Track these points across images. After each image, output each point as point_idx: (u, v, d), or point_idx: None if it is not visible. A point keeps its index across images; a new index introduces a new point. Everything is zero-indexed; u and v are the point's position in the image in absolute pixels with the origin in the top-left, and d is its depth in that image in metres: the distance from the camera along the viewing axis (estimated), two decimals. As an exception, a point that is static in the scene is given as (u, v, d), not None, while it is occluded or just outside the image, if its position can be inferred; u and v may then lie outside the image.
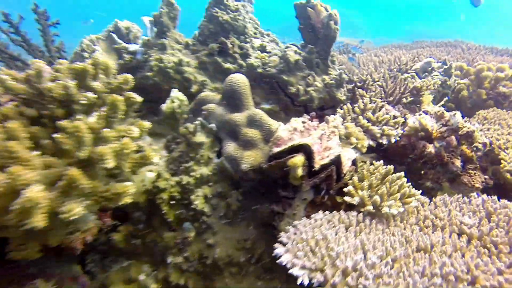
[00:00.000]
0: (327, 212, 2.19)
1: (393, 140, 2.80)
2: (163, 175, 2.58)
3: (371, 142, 2.75)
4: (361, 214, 2.19)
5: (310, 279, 1.66)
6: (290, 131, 2.49)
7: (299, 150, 2.32)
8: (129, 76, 2.35)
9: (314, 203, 2.40)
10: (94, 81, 2.18)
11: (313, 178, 2.30)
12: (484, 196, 2.32)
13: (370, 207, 2.18)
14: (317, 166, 2.27)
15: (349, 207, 2.35)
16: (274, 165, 2.39)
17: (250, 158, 2.63)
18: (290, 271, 1.70)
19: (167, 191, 2.56)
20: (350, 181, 2.40)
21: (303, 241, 1.86)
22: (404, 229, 2.13)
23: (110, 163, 1.77)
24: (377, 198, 2.18)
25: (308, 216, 2.24)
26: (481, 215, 2.14)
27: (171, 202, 2.58)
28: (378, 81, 3.59)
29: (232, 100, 2.86)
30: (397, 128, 2.87)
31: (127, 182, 1.97)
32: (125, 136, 1.98)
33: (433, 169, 3.02)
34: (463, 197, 2.37)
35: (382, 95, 3.43)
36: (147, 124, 2.21)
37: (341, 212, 2.20)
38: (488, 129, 3.45)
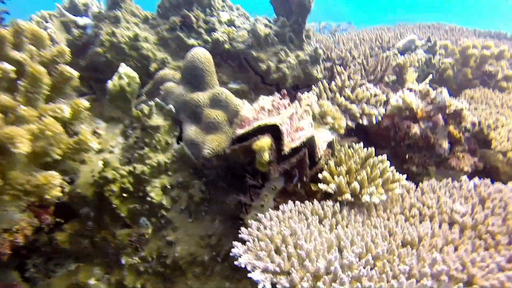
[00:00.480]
0: (298, 203, 1.87)
1: (374, 120, 2.50)
2: (111, 164, 2.22)
3: (350, 123, 2.44)
4: (337, 204, 1.89)
5: (274, 285, 1.34)
6: (257, 110, 2.15)
7: (266, 132, 1.99)
8: (65, 48, 1.97)
9: (285, 192, 2.09)
10: (17, 51, 1.81)
11: (282, 164, 1.98)
12: (476, 179, 2.04)
13: (348, 196, 1.87)
14: (286, 149, 1.95)
15: (326, 196, 2.05)
16: (238, 150, 2.06)
17: (213, 143, 2.29)
18: (249, 275, 1.39)
19: (118, 182, 2.21)
20: (326, 166, 2.09)
21: (267, 238, 1.55)
22: (388, 220, 1.84)
23: (23, 148, 1.40)
24: (356, 185, 1.88)
25: (277, 208, 1.93)
26: (473, 201, 1.86)
27: (123, 195, 2.23)
28: (358, 58, 3.27)
29: (194, 78, 2.50)
30: (379, 106, 2.57)
31: (53, 172, 1.61)
32: (51, 117, 1.61)
33: (419, 152, 2.74)
34: (452, 182, 2.08)
35: (363, 74, 3.12)
36: (83, 103, 1.84)
37: (315, 202, 1.89)
38: (476, 109, 3.18)
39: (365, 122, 2.45)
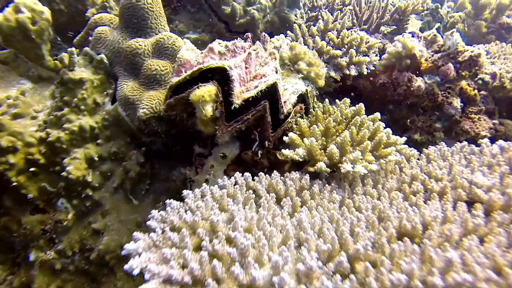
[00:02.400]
0: (247, 175, 1.29)
1: (365, 70, 1.89)
2: (8, 128, 1.65)
3: (334, 73, 1.83)
4: (307, 177, 1.31)
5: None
6: (204, 53, 1.55)
7: (212, 79, 1.40)
8: None
9: (240, 162, 1.51)
10: None
11: (234, 122, 1.40)
12: (502, 142, 1.45)
13: (321, 165, 1.29)
14: (238, 101, 1.36)
15: (297, 167, 1.48)
16: (175, 104, 1.46)
17: (152, 101, 1.70)
18: (143, 287, 0.82)
19: (20, 153, 1.64)
20: (295, 127, 1.50)
21: (186, 226, 0.98)
22: (378, 198, 1.25)
23: None
24: (333, 149, 1.29)
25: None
26: (501, 170, 1.27)
27: (31, 170, 1.66)
28: (350, 4, 2.64)
29: (133, 21, 1.90)
30: (372, 54, 1.96)
31: None
32: None
33: (423, 114, 2.14)
34: (469, 145, 1.49)
35: (354, 22, 2.49)
36: None
37: (273, 174, 1.31)
38: (493, 63, 2.56)
39: (353, 72, 1.84)
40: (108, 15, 2.07)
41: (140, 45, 1.84)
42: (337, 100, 1.68)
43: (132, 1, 1.90)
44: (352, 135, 1.36)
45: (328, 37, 1.91)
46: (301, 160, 1.32)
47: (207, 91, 1.34)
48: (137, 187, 1.79)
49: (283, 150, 1.37)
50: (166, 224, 0.99)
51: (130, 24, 1.94)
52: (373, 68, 1.90)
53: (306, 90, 1.56)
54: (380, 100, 2.23)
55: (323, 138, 1.40)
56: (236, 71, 1.41)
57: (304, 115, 1.59)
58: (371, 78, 2.19)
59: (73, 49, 1.79)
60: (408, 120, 2.21)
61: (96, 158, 1.74)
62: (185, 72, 1.46)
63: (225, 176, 1.27)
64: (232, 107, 1.37)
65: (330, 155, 1.29)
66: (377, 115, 1.54)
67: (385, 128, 1.46)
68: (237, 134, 1.45)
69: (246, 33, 1.80)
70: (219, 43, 1.65)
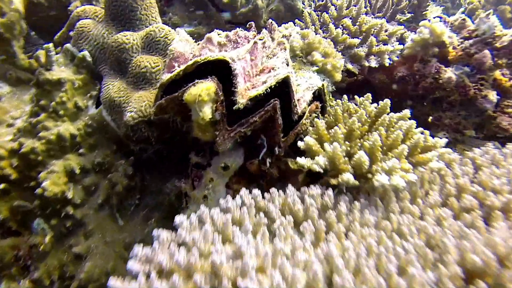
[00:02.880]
0: (256, 193, 1.04)
1: (387, 61, 1.63)
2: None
3: (351, 66, 1.57)
4: (330, 192, 1.05)
5: None
6: (201, 45, 1.30)
7: (211, 74, 1.14)
8: None
9: (246, 173, 1.25)
10: None
11: (238, 126, 1.14)
12: None
13: (348, 177, 1.03)
14: (242, 100, 1.10)
15: (313, 179, 1.21)
16: (166, 106, 1.20)
17: (141, 103, 1.45)
18: None
19: (-14, 167, 1.38)
20: (311, 129, 1.24)
21: (178, 269, 0.72)
22: (421, 218, 0.99)
23: None
24: (362, 156, 1.03)
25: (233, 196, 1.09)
26: None
27: (1, 187, 1.41)
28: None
29: (120, 12, 1.66)
30: (394, 42, 1.69)
31: None
32: None
33: (450, 110, 1.88)
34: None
35: (368, 9, 2.23)
36: None
37: (288, 189, 1.05)
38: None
39: (373, 63, 1.58)
40: (93, 7, 1.82)
41: (127, 39, 1.59)
42: (356, 96, 1.42)
43: (118, -11, 1.65)
44: (381, 139, 1.10)
45: (342, 24, 1.65)
46: (321, 171, 1.06)
47: (204, 89, 1.09)
48: (126, 202, 1.53)
49: (298, 159, 1.11)
50: (152, 266, 0.73)
51: (117, 16, 1.69)
52: (396, 59, 1.64)
53: (322, 85, 1.30)
54: (397, 96, 1.97)
55: (346, 142, 1.14)
56: (240, 64, 1.15)
57: (320, 114, 1.33)
58: (387, 71, 1.93)
59: (50, 45, 1.54)
60: (430, 118, 1.95)
61: (77, 171, 1.49)
62: (179, 67, 1.20)
63: (228, 196, 1.01)
64: (236, 108, 1.11)
65: (357, 164, 1.03)
66: (407, 112, 1.28)
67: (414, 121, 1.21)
68: (241, 140, 1.19)
69: (249, 22, 1.54)
70: (218, 34, 1.40)
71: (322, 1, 2.30)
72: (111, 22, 1.70)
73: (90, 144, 1.55)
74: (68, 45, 1.66)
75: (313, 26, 1.64)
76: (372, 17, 2.16)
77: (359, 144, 1.13)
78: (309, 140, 1.11)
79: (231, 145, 1.17)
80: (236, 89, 1.11)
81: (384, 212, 1.02)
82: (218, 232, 0.82)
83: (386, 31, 1.74)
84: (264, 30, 1.39)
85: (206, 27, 2.02)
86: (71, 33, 1.68)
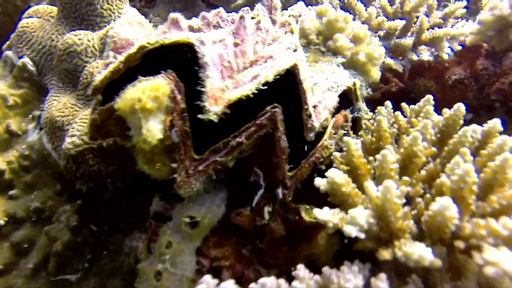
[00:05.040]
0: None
1: (446, 54, 1.10)
2: None
3: (392, 61, 1.06)
4: (384, 277, 0.52)
5: None
6: (161, 29, 0.83)
7: (167, 67, 0.67)
8: None
9: (230, 229, 0.73)
10: None
11: (211, 154, 0.64)
12: None
13: (423, 253, 0.49)
14: (214, 108, 0.61)
15: (344, 243, 0.68)
16: (102, 123, 0.72)
17: (86, 122, 0.98)
18: None
19: None
20: (338, 157, 0.73)
21: None
22: None
23: None
24: (446, 205, 0.50)
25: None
26: None
27: None
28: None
29: (75, 7, 1.23)
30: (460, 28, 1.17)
31: None
32: None
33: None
34: None
35: None
36: None
37: (300, 273, 0.52)
38: None
39: (425, 56, 1.06)
40: (48, 7, 1.40)
41: (79, 39, 1.15)
42: (403, 104, 0.90)
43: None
44: (498, 173, 0.57)
45: (374, 4, 1.16)
46: (362, 236, 0.54)
47: (148, 89, 0.60)
48: (69, 266, 1.03)
49: (316, 212, 0.59)
50: None
51: (71, 13, 1.26)
52: (459, 48, 1.11)
53: (354, 84, 0.79)
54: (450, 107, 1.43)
55: (404, 178, 0.62)
56: (215, 49, 0.67)
57: (351, 130, 0.81)
58: (435, 74, 1.41)
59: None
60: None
61: (2, 222, 1.01)
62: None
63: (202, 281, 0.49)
64: (206, 120, 0.62)
65: (433, 221, 0.51)
66: (496, 123, 0.75)
67: None
68: (220, 176, 0.69)
69: (243, 8, 1.05)
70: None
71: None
72: (65, 21, 1.28)
73: (26, 183, 1.09)
74: (8, 52, 1.23)
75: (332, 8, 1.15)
76: None
77: (439, 188, 0.61)
78: (336, 175, 0.59)
79: (202, 186, 0.67)
80: (204, 89, 0.62)
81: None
82: None
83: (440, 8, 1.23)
84: (259, 5, 0.91)
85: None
86: (12, 36, 1.25)
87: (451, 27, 1.21)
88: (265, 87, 0.64)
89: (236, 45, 0.72)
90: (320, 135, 0.71)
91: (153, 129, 0.60)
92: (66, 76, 1.17)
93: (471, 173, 0.54)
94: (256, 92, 0.64)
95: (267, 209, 0.71)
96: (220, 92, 0.64)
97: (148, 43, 0.66)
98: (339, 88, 0.76)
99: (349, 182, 0.61)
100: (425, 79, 1.44)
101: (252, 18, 0.83)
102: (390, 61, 1.03)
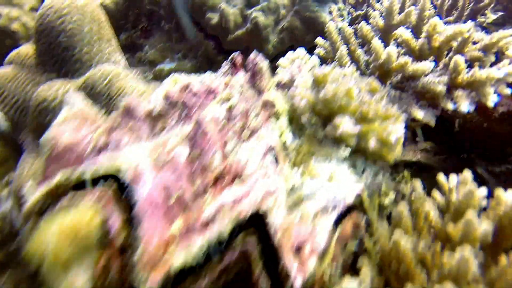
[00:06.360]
0: None
1: (491, 101, 0.82)
2: None
3: (421, 114, 0.80)
4: None
5: None
6: (112, 118, 0.64)
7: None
8: None
9: None
10: None
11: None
12: None
13: None
14: (153, 281, 0.43)
15: None
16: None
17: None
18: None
19: None
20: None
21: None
22: None
23: None
24: None
25: None
26: None
27: None
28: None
29: (52, 52, 1.08)
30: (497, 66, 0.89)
31: None
32: None
33: None
34: None
35: (431, 14, 1.42)
36: None
37: None
38: None
39: (464, 106, 0.80)
40: (29, 49, 1.25)
41: (52, 93, 1.00)
42: (439, 177, 0.66)
43: (49, 23, 1.08)
44: None
45: (396, 39, 0.90)
46: None
47: (57, 234, 0.43)
48: None
49: None
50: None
51: (49, 58, 1.12)
52: (509, 92, 0.84)
53: (360, 197, 0.57)
54: (496, 145, 1.15)
55: None
56: (158, 180, 0.48)
57: (362, 243, 0.60)
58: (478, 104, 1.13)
59: None
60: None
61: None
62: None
63: None
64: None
65: None
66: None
67: None
68: None
69: (233, 54, 0.83)
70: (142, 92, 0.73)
71: (362, 10, 1.53)
72: (42, 68, 1.14)
73: (-2, 266, 0.95)
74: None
75: (345, 47, 0.91)
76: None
77: None
78: None
79: None
80: (136, 256, 0.43)
81: None
82: None
83: (475, 43, 0.96)
84: (239, 74, 0.69)
85: (192, 61, 1.38)
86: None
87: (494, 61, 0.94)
88: (221, 240, 0.45)
89: (192, 161, 0.52)
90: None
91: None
92: (41, 135, 1.02)
93: None
94: (207, 250, 0.44)
95: None
96: (161, 250, 0.45)
97: (66, 179, 0.48)
98: (340, 205, 0.55)
99: None
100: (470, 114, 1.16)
101: (221, 100, 0.61)
102: (418, 114, 0.78)
